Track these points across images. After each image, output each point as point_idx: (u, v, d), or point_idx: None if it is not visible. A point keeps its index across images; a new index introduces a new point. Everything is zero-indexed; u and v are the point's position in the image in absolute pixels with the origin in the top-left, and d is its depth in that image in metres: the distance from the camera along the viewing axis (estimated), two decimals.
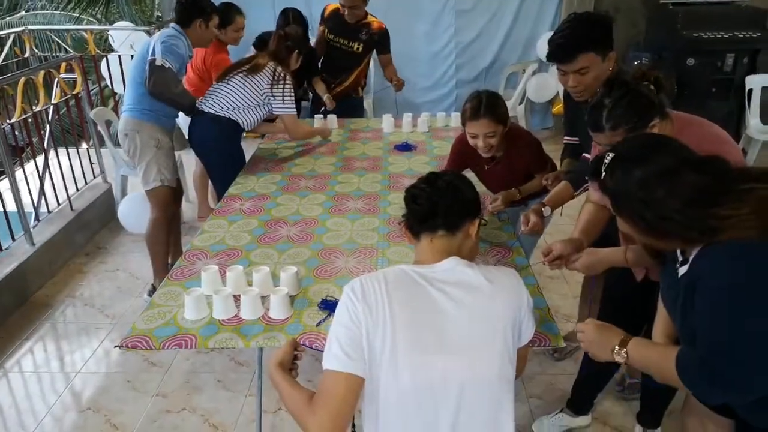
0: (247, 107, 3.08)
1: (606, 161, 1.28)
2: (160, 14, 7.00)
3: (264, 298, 1.84)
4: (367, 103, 5.06)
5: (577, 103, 2.12)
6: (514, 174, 2.44)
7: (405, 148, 3.31)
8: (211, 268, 1.94)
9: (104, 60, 4.83)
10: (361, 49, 3.88)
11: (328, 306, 1.84)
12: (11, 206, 3.40)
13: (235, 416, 2.48)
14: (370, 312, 1.21)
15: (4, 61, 5.24)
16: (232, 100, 3.05)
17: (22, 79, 3.52)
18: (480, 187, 2.51)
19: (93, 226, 4.07)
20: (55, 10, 7.91)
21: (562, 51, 1.99)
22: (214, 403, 2.56)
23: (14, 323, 3.13)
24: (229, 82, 3.07)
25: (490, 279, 1.28)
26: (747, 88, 4.89)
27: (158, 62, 2.84)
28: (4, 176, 3.45)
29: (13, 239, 3.43)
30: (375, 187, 2.79)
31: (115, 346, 1.78)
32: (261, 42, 3.83)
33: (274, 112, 3.16)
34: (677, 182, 1.18)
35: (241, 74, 3.06)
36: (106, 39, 6.28)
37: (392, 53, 4.02)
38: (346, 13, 3.75)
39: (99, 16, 7.83)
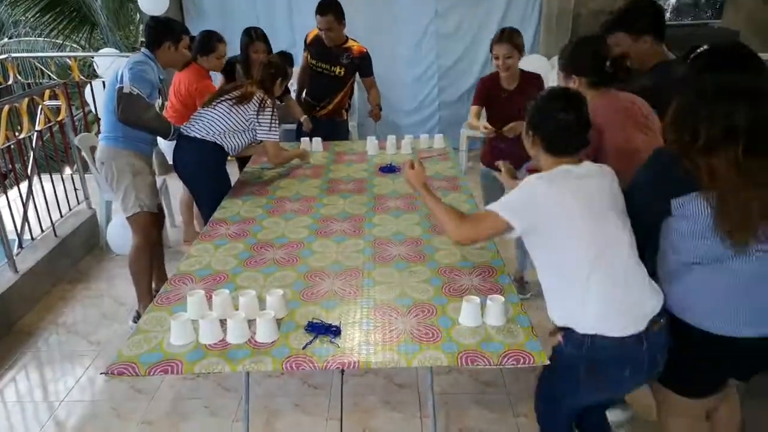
0: (233, 132, 3.11)
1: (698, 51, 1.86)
2: (143, 40, 7.03)
3: (250, 322, 1.85)
4: (352, 126, 5.11)
5: None
6: (522, 108, 2.62)
7: (389, 170, 3.35)
8: (197, 293, 1.95)
9: (88, 86, 4.84)
10: (343, 73, 3.94)
11: (315, 328, 1.84)
12: None
13: None
14: (551, 193, 1.65)
15: None
16: (219, 124, 3.08)
17: (6, 107, 3.52)
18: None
19: (77, 253, 4.05)
20: (38, 36, 7.90)
21: (603, 26, 2.36)
22: (200, 429, 2.54)
23: None
24: (216, 108, 3.10)
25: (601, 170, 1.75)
26: None
27: (126, 89, 2.84)
28: None
29: None
30: (360, 209, 2.82)
31: (101, 373, 1.78)
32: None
33: (259, 138, 3.19)
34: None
35: (228, 101, 3.10)
36: (90, 65, 6.28)
37: (376, 77, 4.08)
38: (323, 36, 3.81)
39: (83, 42, 7.82)
